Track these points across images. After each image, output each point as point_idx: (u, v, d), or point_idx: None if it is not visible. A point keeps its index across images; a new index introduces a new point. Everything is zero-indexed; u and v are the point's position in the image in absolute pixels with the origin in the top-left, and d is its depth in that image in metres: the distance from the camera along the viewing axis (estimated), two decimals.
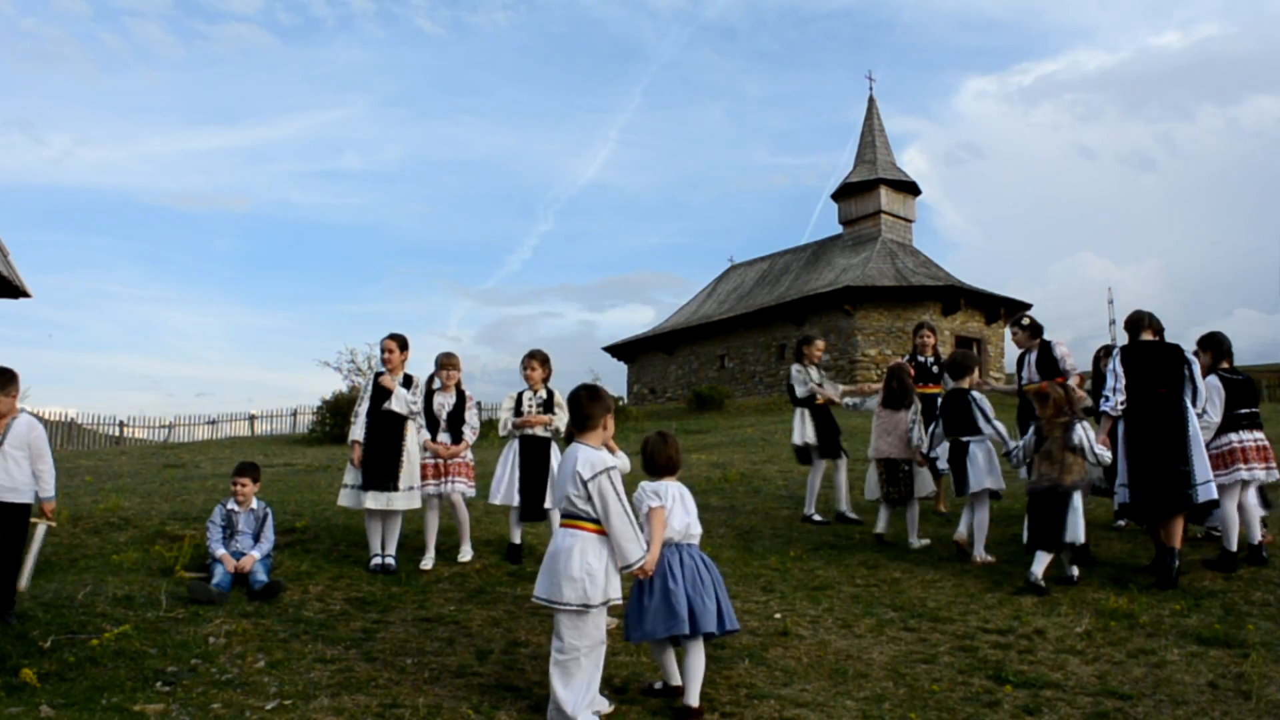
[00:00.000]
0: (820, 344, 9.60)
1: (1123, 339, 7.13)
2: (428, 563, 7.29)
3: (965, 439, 7.40)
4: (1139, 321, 6.97)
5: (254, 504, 6.95)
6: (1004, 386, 9.22)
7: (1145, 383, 6.65)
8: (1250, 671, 4.62)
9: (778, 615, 5.83)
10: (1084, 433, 6.58)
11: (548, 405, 7.50)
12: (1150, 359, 6.70)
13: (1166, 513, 6.45)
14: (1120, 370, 6.72)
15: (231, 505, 6.89)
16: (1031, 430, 6.88)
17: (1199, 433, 6.50)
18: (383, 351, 7.47)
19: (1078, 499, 6.49)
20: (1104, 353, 7.90)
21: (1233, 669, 4.70)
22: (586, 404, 4.40)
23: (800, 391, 9.28)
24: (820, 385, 9.21)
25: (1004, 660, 4.93)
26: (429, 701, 4.33)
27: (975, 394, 7.56)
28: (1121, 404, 6.67)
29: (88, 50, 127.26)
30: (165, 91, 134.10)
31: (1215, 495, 6.41)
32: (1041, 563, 6.35)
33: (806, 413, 9.18)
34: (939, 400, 8.26)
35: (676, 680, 4.45)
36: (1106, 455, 6.65)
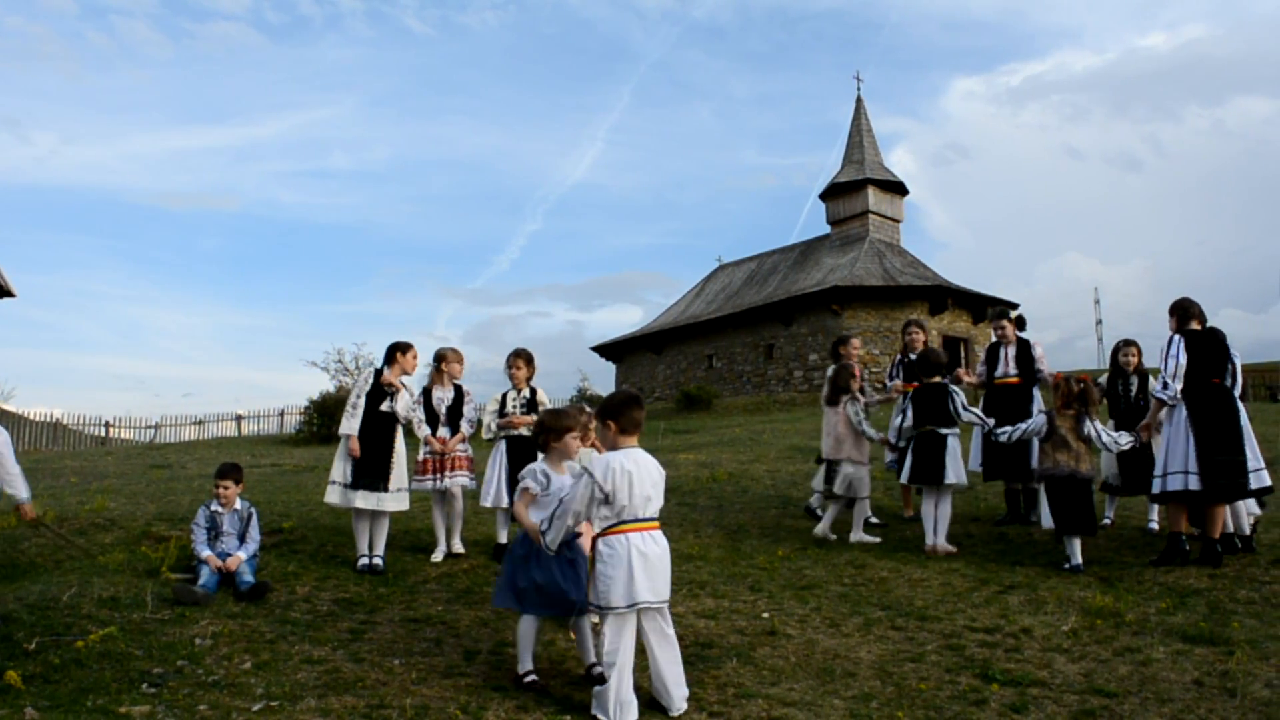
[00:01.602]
0: (856, 343, 9.32)
1: (1118, 334, 7.34)
2: (439, 555, 7.37)
3: (943, 431, 7.72)
4: (1189, 310, 6.96)
5: (238, 504, 6.90)
6: (974, 379, 9.25)
7: (1201, 372, 6.74)
8: (1235, 669, 4.65)
9: (765, 614, 5.84)
10: (1092, 424, 6.97)
11: (531, 404, 7.50)
12: (1204, 349, 6.77)
13: (1229, 500, 6.70)
14: (1184, 360, 6.73)
15: (215, 507, 6.85)
16: (1044, 418, 7.21)
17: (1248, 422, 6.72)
18: (386, 358, 7.36)
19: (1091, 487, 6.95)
20: (1123, 344, 8.16)
21: (1218, 666, 4.72)
22: (635, 408, 4.48)
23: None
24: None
25: (991, 659, 4.94)
26: (416, 702, 4.32)
27: (953, 387, 7.89)
28: (1179, 393, 6.73)
29: (74, 49, 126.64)
30: (152, 90, 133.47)
31: (1269, 482, 6.69)
32: (1077, 550, 6.79)
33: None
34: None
35: (592, 658, 4.47)
36: (1126, 441, 7.01)
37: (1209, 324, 6.93)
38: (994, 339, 9.04)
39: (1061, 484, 6.88)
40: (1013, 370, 8.70)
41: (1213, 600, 5.87)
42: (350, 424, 7.15)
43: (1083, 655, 4.98)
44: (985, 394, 8.84)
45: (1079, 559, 6.75)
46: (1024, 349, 8.72)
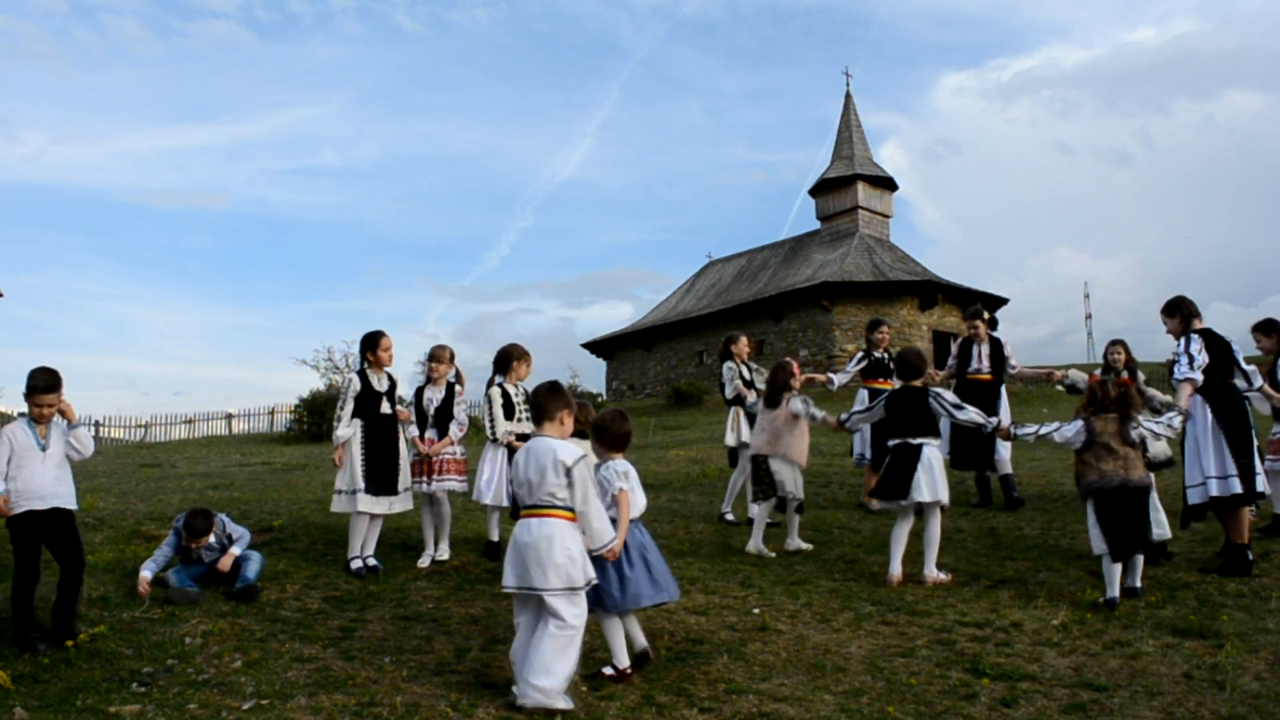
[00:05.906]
0: (744, 340, 9.28)
1: (1108, 329, 7.25)
2: (425, 561, 7.23)
3: (917, 441, 6.62)
4: (1192, 309, 6.69)
5: (210, 539, 6.55)
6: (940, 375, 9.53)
7: (1219, 373, 6.54)
8: (1224, 662, 4.67)
9: (756, 610, 5.84)
10: (1141, 427, 6.13)
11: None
12: (1219, 349, 6.56)
13: (1250, 503, 6.56)
14: (1205, 356, 6.43)
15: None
16: (1080, 424, 6.18)
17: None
18: (360, 356, 7.24)
19: (1154, 494, 6.19)
20: (1112, 343, 8.24)
21: (1207, 660, 4.74)
22: (544, 397, 4.62)
23: (729, 392, 8.96)
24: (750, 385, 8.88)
25: (981, 653, 4.95)
26: (407, 699, 4.31)
27: (937, 389, 6.89)
28: (1200, 379, 6.43)
29: (63, 47, 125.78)
30: (141, 89, 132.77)
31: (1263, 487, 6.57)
32: (1115, 578, 5.82)
33: (740, 412, 8.89)
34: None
35: (626, 661, 4.64)
36: (1179, 422, 6.31)
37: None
38: (967, 335, 9.32)
39: (1109, 497, 5.92)
40: (986, 367, 9.08)
41: (1202, 594, 5.90)
42: (343, 431, 6.97)
43: (1073, 649, 4.99)
44: (955, 389, 8.95)
45: (1116, 590, 5.78)
46: (996, 347, 9.06)
